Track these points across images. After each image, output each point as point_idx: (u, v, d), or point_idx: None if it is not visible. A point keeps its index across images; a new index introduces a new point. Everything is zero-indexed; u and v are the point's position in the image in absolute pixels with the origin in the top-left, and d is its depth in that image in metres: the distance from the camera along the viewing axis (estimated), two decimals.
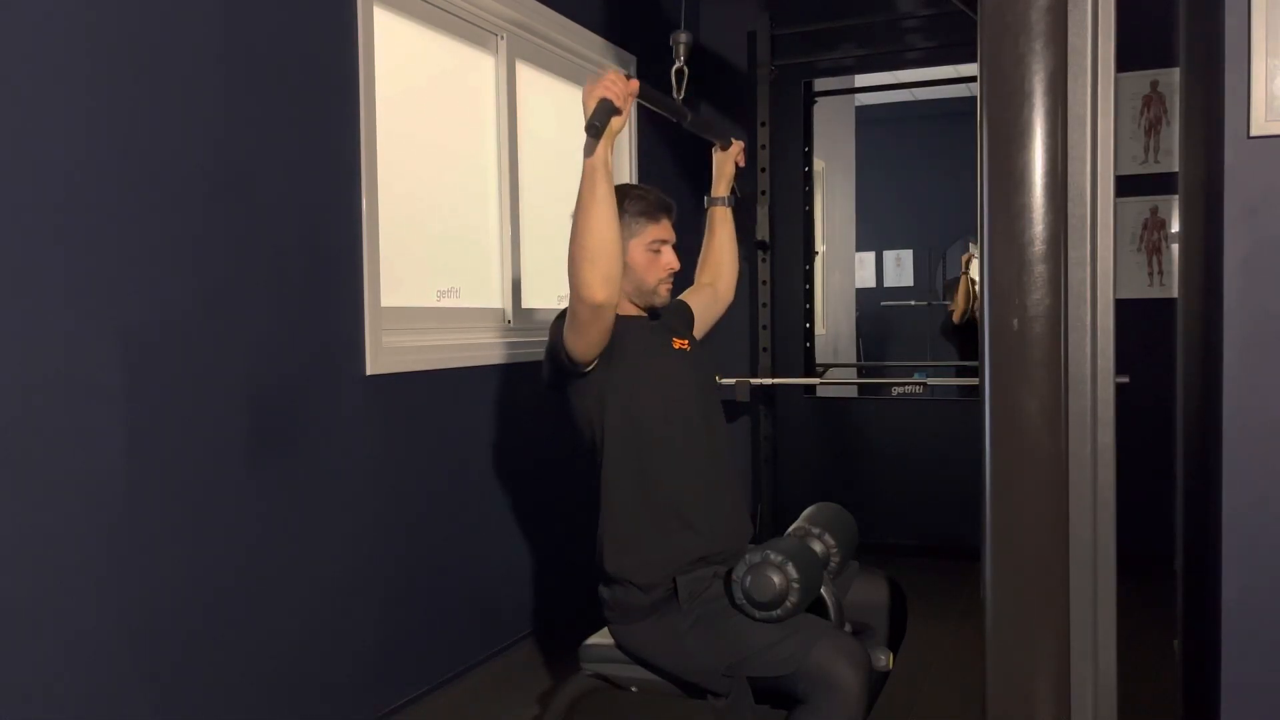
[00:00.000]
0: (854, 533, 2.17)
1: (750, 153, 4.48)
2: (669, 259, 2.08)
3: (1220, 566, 1.60)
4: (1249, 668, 1.58)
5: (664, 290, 2.09)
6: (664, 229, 2.08)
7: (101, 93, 1.94)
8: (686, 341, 2.16)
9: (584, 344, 1.92)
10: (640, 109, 2.06)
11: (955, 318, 6.12)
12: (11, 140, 1.79)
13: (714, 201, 2.39)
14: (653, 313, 2.13)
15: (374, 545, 2.64)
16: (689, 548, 1.95)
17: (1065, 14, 1.25)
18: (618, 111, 1.80)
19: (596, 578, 2.05)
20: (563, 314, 1.98)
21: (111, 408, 1.95)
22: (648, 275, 2.06)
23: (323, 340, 2.47)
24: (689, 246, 2.32)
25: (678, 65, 2.21)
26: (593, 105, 1.79)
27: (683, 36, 2.19)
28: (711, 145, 2.41)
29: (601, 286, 1.81)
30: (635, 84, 1.86)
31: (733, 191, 2.39)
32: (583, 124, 1.81)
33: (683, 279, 2.21)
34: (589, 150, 1.81)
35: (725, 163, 2.38)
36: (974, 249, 6.48)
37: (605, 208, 1.81)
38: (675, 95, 2.23)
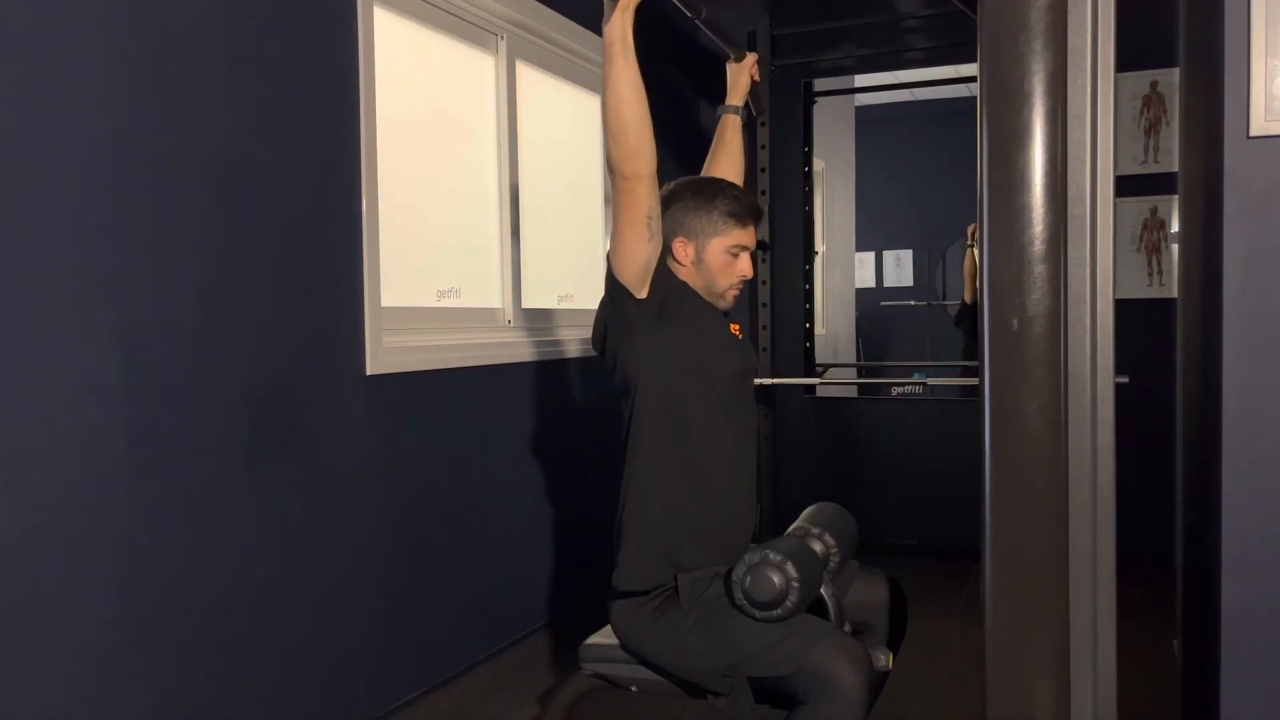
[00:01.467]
0: (854, 533, 2.17)
1: (750, 153, 4.48)
2: (745, 267, 2.06)
3: (1220, 567, 1.60)
4: (1249, 668, 1.58)
5: (731, 296, 2.08)
6: (749, 235, 2.06)
7: (101, 92, 1.94)
8: (739, 328, 2.16)
9: (631, 260, 1.89)
10: (654, 8, 2.03)
11: (967, 296, 6.08)
12: (11, 141, 1.79)
13: (727, 109, 2.41)
14: None
15: (374, 545, 2.64)
16: (705, 519, 1.95)
17: (1065, 14, 1.25)
18: None
19: (598, 576, 2.04)
20: (609, 278, 1.98)
21: (111, 408, 1.95)
22: (721, 278, 2.05)
23: (323, 340, 2.47)
24: (695, 157, 2.32)
25: None
26: None
27: None
28: (725, 57, 2.46)
29: (630, 159, 1.81)
30: None
31: (746, 105, 2.43)
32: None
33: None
34: (606, 19, 1.79)
35: (740, 73, 2.43)
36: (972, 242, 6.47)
37: (626, 84, 1.80)
38: None
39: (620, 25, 1.80)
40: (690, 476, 1.97)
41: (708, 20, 2.29)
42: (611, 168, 1.85)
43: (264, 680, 2.30)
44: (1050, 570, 1.25)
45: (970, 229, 6.22)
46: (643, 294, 1.92)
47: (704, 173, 2.38)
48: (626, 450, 2.01)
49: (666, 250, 2.02)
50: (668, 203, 2.03)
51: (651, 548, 1.95)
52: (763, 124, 4.34)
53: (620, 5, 1.80)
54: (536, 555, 3.38)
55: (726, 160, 2.40)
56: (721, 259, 2.03)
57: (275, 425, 2.33)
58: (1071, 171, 1.28)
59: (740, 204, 2.04)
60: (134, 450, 1.99)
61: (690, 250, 2.04)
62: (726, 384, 2.02)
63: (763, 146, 4.34)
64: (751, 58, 2.44)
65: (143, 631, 2.02)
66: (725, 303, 2.08)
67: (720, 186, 2.07)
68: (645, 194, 1.85)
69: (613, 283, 1.93)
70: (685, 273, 2.05)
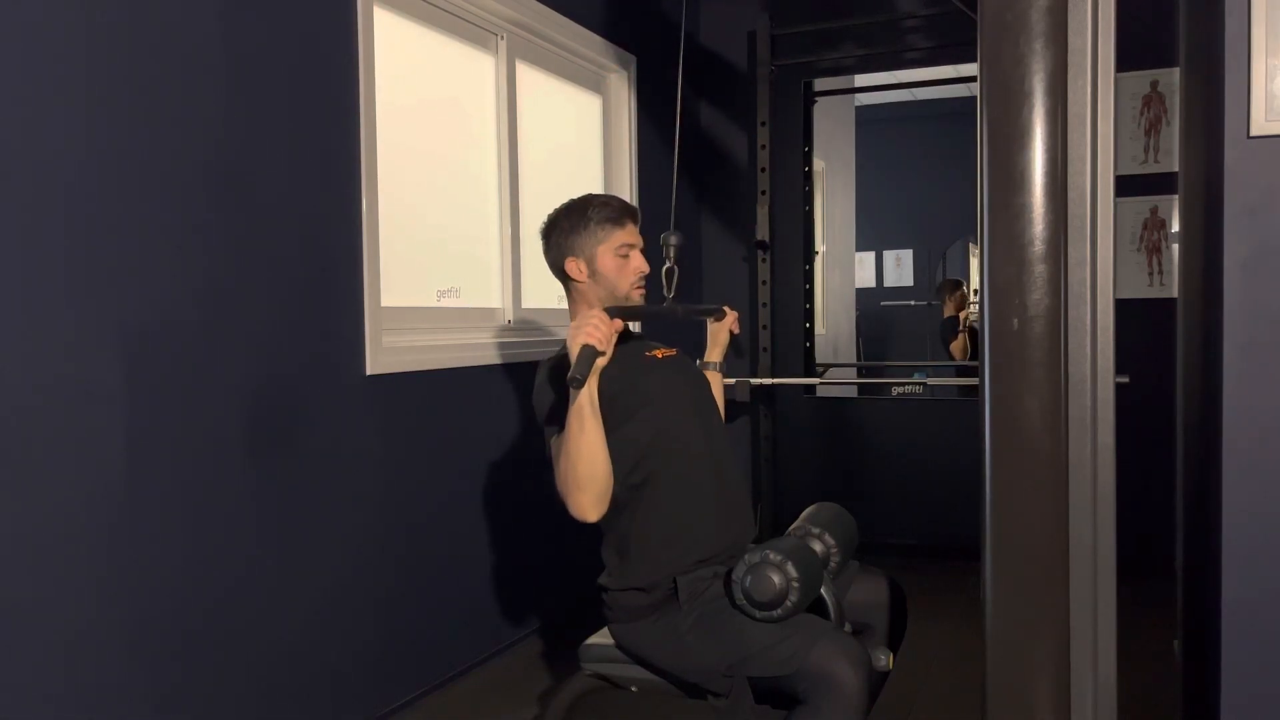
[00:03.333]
0: (854, 533, 2.16)
1: (750, 153, 4.49)
2: (638, 262, 2.11)
3: (1220, 567, 1.60)
4: (1249, 668, 1.58)
5: (636, 294, 2.11)
6: (630, 233, 2.11)
7: (101, 92, 1.94)
8: (674, 350, 2.17)
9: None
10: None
11: (955, 351, 6.09)
12: (12, 141, 1.79)
13: (706, 366, 2.41)
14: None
15: (374, 545, 2.64)
16: (691, 549, 1.95)
17: (1065, 14, 1.25)
18: (602, 354, 1.84)
19: (597, 577, 2.05)
20: (547, 375, 2.04)
21: (111, 408, 1.95)
22: (620, 281, 2.09)
23: (323, 340, 2.47)
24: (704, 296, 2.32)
25: (668, 265, 2.27)
26: (576, 353, 1.81)
27: (673, 238, 2.28)
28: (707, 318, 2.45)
29: (593, 508, 1.89)
30: (618, 323, 1.90)
31: (725, 357, 2.42)
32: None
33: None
34: (573, 397, 1.85)
35: (719, 332, 2.40)
36: (975, 253, 6.47)
37: (593, 439, 1.86)
38: (666, 294, 2.28)
39: (587, 391, 1.86)
40: (668, 529, 1.98)
41: (686, 313, 2.46)
42: (571, 512, 1.90)
43: (264, 680, 2.30)
44: (1050, 570, 1.25)
45: (961, 309, 6.21)
46: None
47: None
48: None
49: (566, 278, 2.12)
50: (547, 235, 2.13)
51: (637, 592, 1.96)
52: (763, 123, 4.34)
53: (590, 377, 1.84)
54: (536, 555, 3.38)
55: None
56: (613, 263, 2.09)
57: (275, 425, 2.33)
58: (1071, 171, 1.28)
59: (611, 207, 2.11)
60: (134, 450, 1.99)
61: (582, 266, 2.09)
62: (676, 412, 2.05)
63: (763, 146, 4.33)
64: (732, 316, 2.40)
65: (142, 631, 2.02)
66: (633, 303, 2.12)
67: (588, 199, 2.13)
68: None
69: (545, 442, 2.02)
70: (585, 289, 2.10)
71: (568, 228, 2.11)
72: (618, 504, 1.98)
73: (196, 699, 2.13)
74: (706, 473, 2.02)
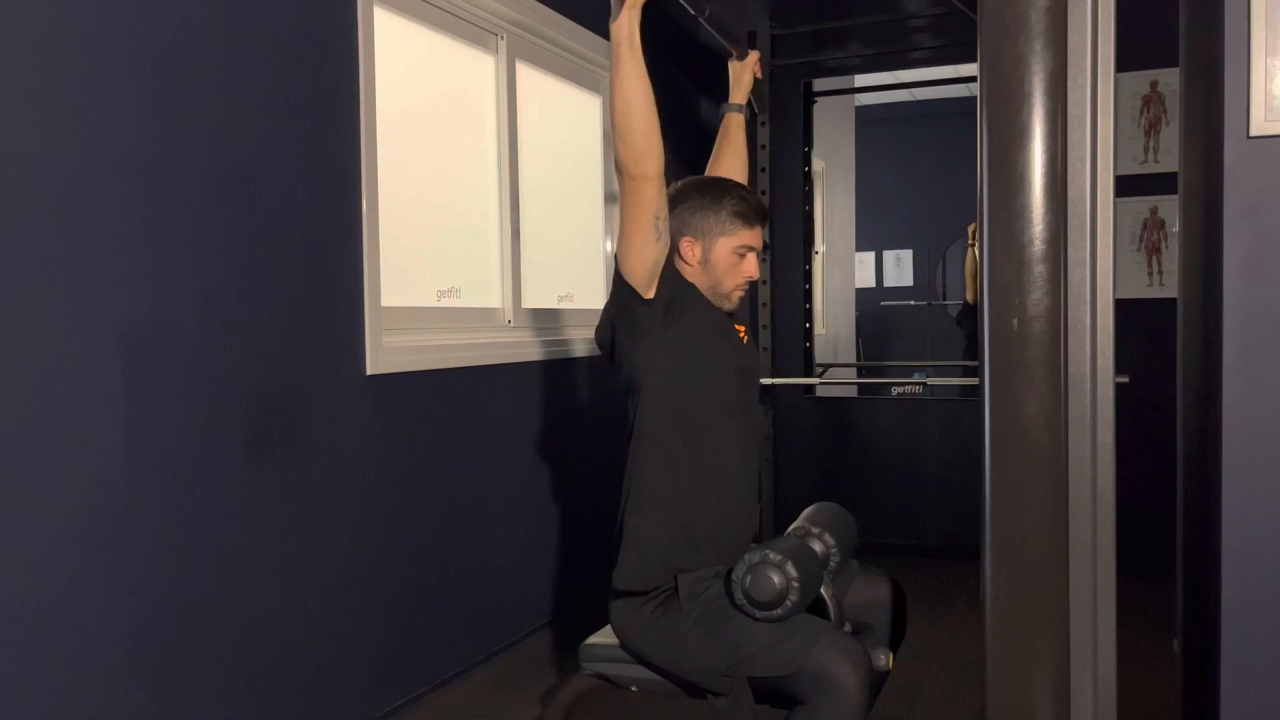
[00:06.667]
0: (854, 532, 2.16)
1: (751, 152, 4.48)
2: (750, 267, 2.06)
3: (1220, 567, 1.60)
4: (1249, 668, 1.58)
5: (736, 297, 2.08)
6: (755, 236, 2.06)
7: (101, 93, 1.94)
8: (744, 331, 2.16)
9: (639, 261, 1.88)
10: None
11: (969, 295, 6.08)
12: (12, 141, 1.79)
13: (730, 108, 2.40)
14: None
15: (374, 545, 2.64)
16: (706, 514, 1.94)
17: (1065, 14, 1.25)
18: None
19: (598, 576, 2.04)
20: (616, 278, 1.97)
21: (111, 408, 1.95)
22: (727, 278, 2.04)
23: (323, 340, 2.47)
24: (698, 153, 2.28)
25: None
26: None
27: None
28: (728, 55, 2.45)
29: (639, 159, 1.80)
30: None
31: (749, 103, 2.42)
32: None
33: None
34: (613, 18, 1.79)
35: (743, 72, 2.41)
36: (972, 241, 6.45)
37: (635, 84, 1.80)
38: None
39: (627, 23, 1.80)
40: (693, 477, 1.96)
41: (711, 18, 2.29)
42: (619, 168, 1.84)
43: (264, 680, 2.30)
44: (1050, 570, 1.25)
45: (970, 228, 6.22)
46: (650, 294, 1.92)
47: (708, 172, 2.37)
48: (630, 448, 2.00)
49: (674, 250, 2.01)
50: (675, 202, 2.02)
51: (651, 548, 1.95)
52: (763, 124, 4.34)
53: (628, 3, 1.79)
54: (536, 555, 3.38)
55: (730, 159, 2.39)
56: (728, 259, 2.03)
57: (275, 425, 2.33)
58: (1071, 171, 1.28)
59: (748, 204, 2.04)
60: (134, 450, 1.99)
61: (697, 250, 2.03)
62: (731, 384, 2.02)
63: (763, 146, 4.34)
64: (754, 56, 2.43)
65: (143, 631, 2.02)
66: (730, 304, 2.08)
67: (728, 186, 2.06)
68: (653, 195, 1.84)
69: (620, 283, 1.93)
70: (691, 272, 2.04)
71: (698, 206, 2.03)
72: (652, 441, 1.95)
73: (196, 698, 2.13)
74: (738, 453, 2.01)
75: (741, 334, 2.13)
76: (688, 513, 1.95)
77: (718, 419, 1.98)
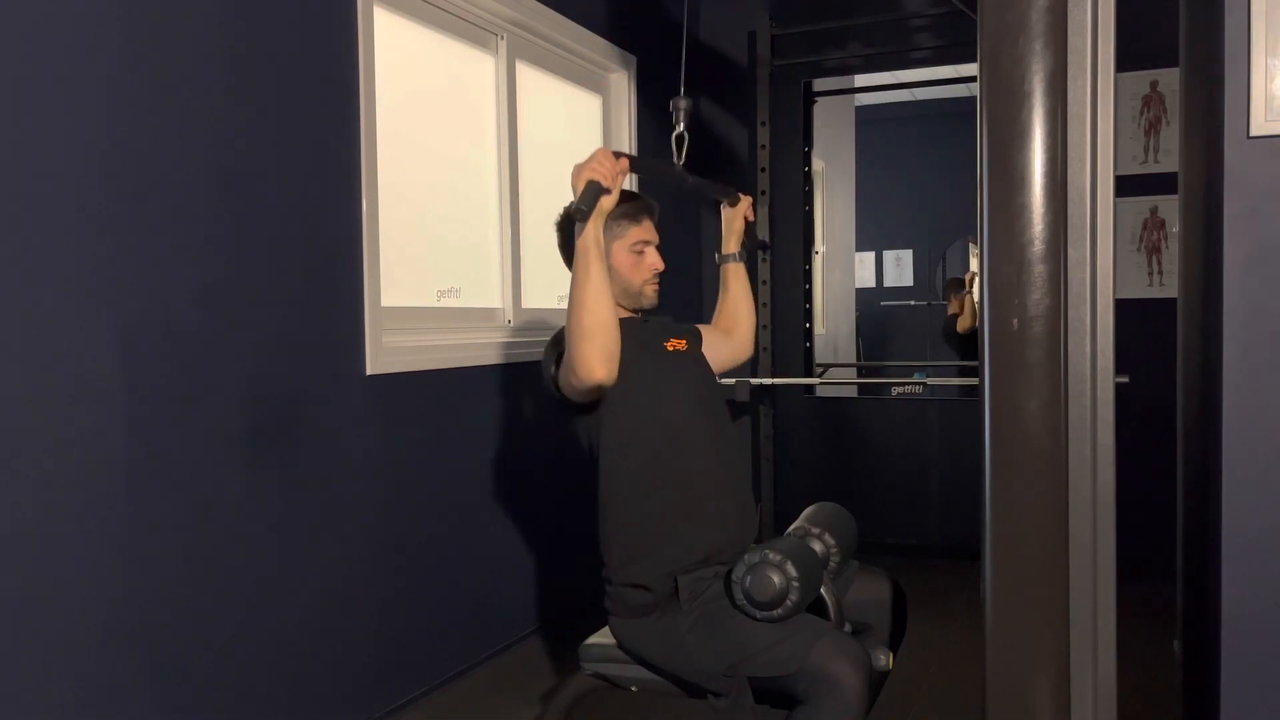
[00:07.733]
0: (854, 532, 2.16)
1: (750, 152, 4.49)
2: (653, 259, 2.10)
3: (1220, 566, 1.60)
4: (1249, 668, 1.58)
5: (650, 290, 2.10)
6: (646, 230, 2.10)
7: (102, 92, 1.94)
8: (684, 342, 2.16)
9: (581, 394, 1.95)
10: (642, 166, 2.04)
11: (960, 327, 6.07)
12: (12, 141, 1.79)
13: (725, 258, 2.37)
14: (643, 314, 2.13)
15: (374, 545, 2.64)
16: (693, 546, 1.95)
17: (1065, 14, 1.25)
18: (606, 191, 1.80)
19: (599, 576, 2.05)
20: (559, 338, 1.98)
21: (111, 408, 1.95)
22: (633, 277, 2.08)
23: (323, 340, 2.47)
24: (703, 298, 2.30)
25: (677, 131, 2.22)
26: (580, 187, 1.77)
27: (682, 103, 2.21)
28: (718, 203, 2.40)
29: (601, 364, 1.84)
30: (624, 161, 1.87)
31: (744, 245, 2.37)
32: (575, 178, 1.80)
33: (689, 317, 2.17)
34: (579, 232, 1.82)
35: (734, 218, 2.36)
36: (975, 253, 6.45)
37: (599, 287, 1.83)
38: (676, 160, 2.23)
39: (593, 232, 1.83)
40: (669, 525, 1.97)
41: (696, 185, 2.30)
42: (577, 370, 1.85)
43: (263, 680, 2.30)
44: (1050, 570, 1.25)
45: (969, 276, 6.19)
46: (585, 400, 1.97)
47: (714, 322, 2.38)
48: (600, 495, 2.02)
49: None
50: (563, 228, 2.09)
51: (636, 584, 1.96)
52: (763, 123, 4.34)
53: (595, 214, 1.81)
54: (536, 555, 3.38)
55: (734, 306, 2.37)
56: (627, 259, 2.07)
57: (275, 425, 2.33)
58: (1071, 171, 1.28)
59: (628, 203, 2.08)
60: (133, 450, 1.99)
61: None
62: (681, 408, 2.04)
63: (763, 146, 4.33)
64: (746, 201, 2.36)
65: (142, 631, 2.02)
66: (647, 299, 2.11)
67: None
68: (600, 382, 1.88)
69: (555, 382, 1.98)
70: None
71: None
72: (620, 496, 1.98)
73: (196, 699, 2.13)
74: (712, 470, 2.02)
75: (678, 347, 2.13)
76: (669, 542, 1.96)
77: (677, 441, 2.00)
